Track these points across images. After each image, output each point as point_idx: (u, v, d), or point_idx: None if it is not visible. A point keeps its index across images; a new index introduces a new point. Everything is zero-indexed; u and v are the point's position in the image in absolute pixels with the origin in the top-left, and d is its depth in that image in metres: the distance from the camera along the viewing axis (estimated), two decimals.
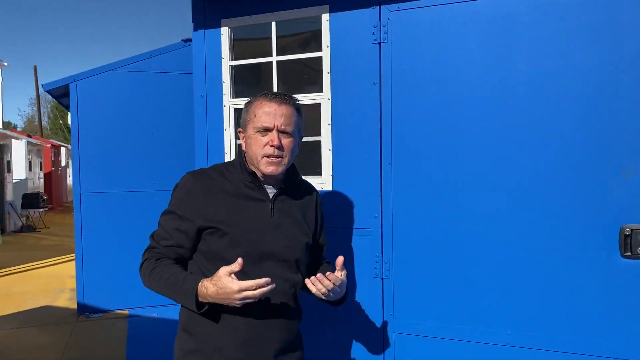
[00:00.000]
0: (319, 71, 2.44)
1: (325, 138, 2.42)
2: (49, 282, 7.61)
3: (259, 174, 1.73)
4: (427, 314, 2.28)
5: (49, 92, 6.15)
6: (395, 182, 2.33)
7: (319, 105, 2.44)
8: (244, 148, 1.76)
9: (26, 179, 16.04)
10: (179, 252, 1.71)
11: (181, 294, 1.60)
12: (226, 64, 2.59)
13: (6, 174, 13.36)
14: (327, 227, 2.05)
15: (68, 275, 7.71)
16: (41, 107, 40.59)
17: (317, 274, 1.66)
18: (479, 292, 2.19)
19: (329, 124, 2.42)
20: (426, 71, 2.27)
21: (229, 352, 1.65)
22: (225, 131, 2.59)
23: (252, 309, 1.61)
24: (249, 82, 2.66)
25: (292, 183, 1.80)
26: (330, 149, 2.42)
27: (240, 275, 1.53)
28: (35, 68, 37.14)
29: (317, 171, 2.45)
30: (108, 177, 5.90)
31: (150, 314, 5.85)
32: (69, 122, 6.09)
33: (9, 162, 13.72)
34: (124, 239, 5.93)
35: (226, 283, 1.51)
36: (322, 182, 2.43)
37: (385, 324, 2.35)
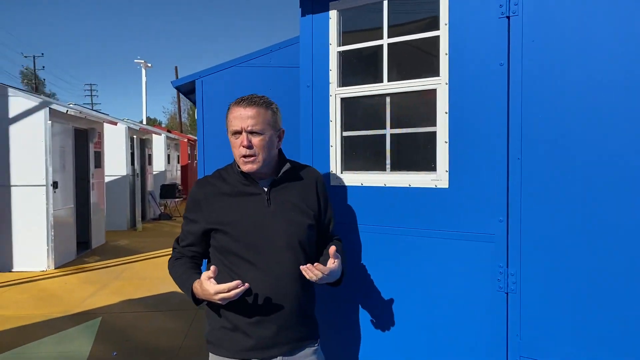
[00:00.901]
0: (434, 54, 2.15)
1: (442, 128, 2.13)
2: None
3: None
4: (562, 337, 1.91)
5: (177, 88, 6.42)
6: (526, 180, 1.97)
7: (433, 92, 2.15)
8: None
9: (165, 170, 17.38)
10: (194, 250, 1.96)
11: (185, 291, 1.87)
12: (334, 50, 2.40)
13: (148, 166, 14.56)
14: (441, 230, 1.84)
15: None
16: (181, 104, 44.01)
17: (322, 254, 1.94)
18: (632, 317, 1.77)
19: (446, 112, 2.12)
20: (566, 48, 1.89)
21: (246, 328, 1.86)
22: (330, 122, 2.41)
23: (263, 291, 1.83)
24: (358, 70, 2.45)
25: (285, 172, 1.94)
26: (447, 140, 2.12)
27: (248, 265, 1.83)
28: (176, 69, 40.33)
29: (431, 166, 2.17)
30: None
31: None
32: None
33: (150, 156, 14.95)
34: None
35: (206, 287, 1.73)
36: (437, 179, 2.14)
37: (509, 345, 2.01)
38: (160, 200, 15.38)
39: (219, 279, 1.75)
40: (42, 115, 8.06)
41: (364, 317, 2.33)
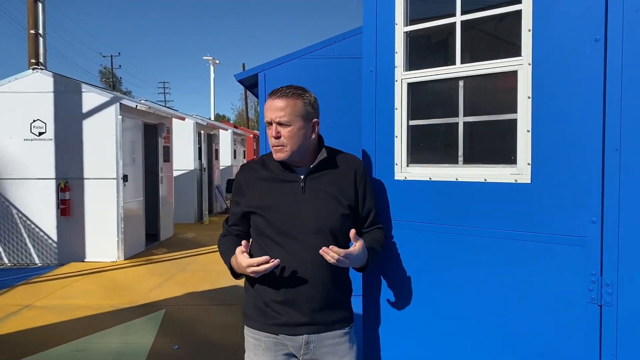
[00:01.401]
0: (515, 32, 1.89)
1: (523, 115, 1.87)
2: None
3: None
4: None
5: (240, 82, 6.39)
6: (625, 175, 1.68)
7: (514, 74, 1.89)
8: None
9: (231, 165, 17.67)
10: (238, 229, 2.09)
11: (227, 265, 1.99)
12: (400, 30, 2.18)
13: (215, 161, 14.83)
14: (521, 231, 1.64)
15: None
16: (248, 100, 44.77)
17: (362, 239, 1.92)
18: None
19: (529, 97, 1.86)
20: None
21: (274, 306, 1.95)
22: (396, 110, 2.19)
23: (291, 274, 1.90)
24: (426, 52, 2.22)
25: (322, 161, 1.98)
26: (530, 129, 1.85)
27: (279, 248, 1.91)
28: (243, 66, 41.11)
29: (510, 159, 1.91)
30: None
31: None
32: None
33: (217, 151, 15.21)
34: None
35: (240, 260, 1.85)
36: (517, 173, 1.88)
37: None
38: (226, 194, 15.63)
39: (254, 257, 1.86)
40: (113, 110, 8.31)
41: (432, 328, 2.11)
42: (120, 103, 8.36)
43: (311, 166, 1.98)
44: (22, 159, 8.27)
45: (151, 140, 9.93)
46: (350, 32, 6.18)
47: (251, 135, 21.56)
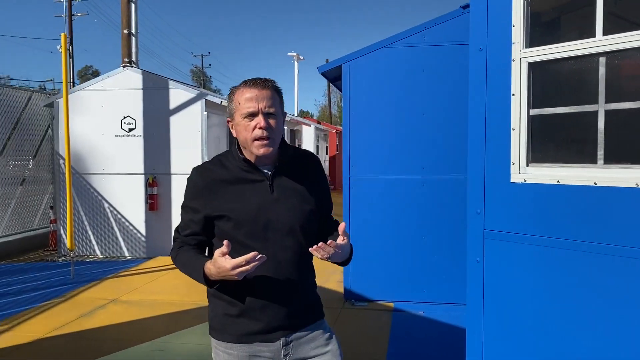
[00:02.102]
0: None
1: None
2: (325, 262, 7.84)
3: (252, 157, 1.88)
4: None
5: (323, 74, 6.14)
6: None
7: None
8: (235, 136, 1.90)
9: None
10: (198, 239, 1.94)
11: (196, 275, 1.82)
12: None
13: None
14: None
15: None
16: (332, 96, 44.87)
17: (328, 237, 1.84)
18: None
19: None
20: None
21: (251, 313, 1.87)
22: (512, 97, 1.78)
23: (265, 277, 1.82)
24: (553, 24, 1.78)
25: (288, 158, 1.93)
26: None
27: (248, 251, 1.69)
28: (327, 61, 41.13)
29: None
30: (376, 161, 5.60)
31: (416, 310, 5.38)
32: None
33: (299, 146, 15.17)
34: (391, 227, 5.59)
35: (221, 264, 1.69)
36: None
37: None
38: None
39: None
40: (198, 107, 8.35)
41: None
42: (205, 99, 8.39)
43: (278, 164, 1.93)
44: (113, 154, 8.52)
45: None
46: (443, 16, 5.71)
47: (334, 131, 21.38)
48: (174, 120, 8.42)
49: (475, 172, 1.86)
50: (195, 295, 6.08)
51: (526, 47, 1.74)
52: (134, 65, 9.33)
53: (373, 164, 5.61)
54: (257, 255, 1.68)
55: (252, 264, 1.67)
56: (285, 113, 1.98)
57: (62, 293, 6.17)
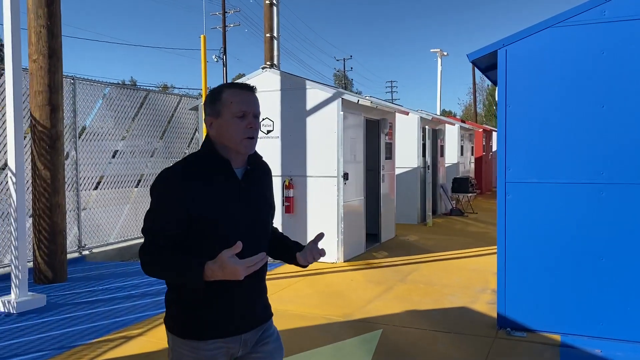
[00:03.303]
0: None
1: None
2: (471, 277, 6.98)
3: (231, 157, 1.98)
4: None
5: (473, 62, 5.32)
6: None
7: None
8: (214, 134, 1.98)
9: (457, 163, 16.44)
10: (174, 241, 1.91)
11: (188, 275, 1.81)
12: None
13: (439, 158, 13.83)
14: None
15: (491, 272, 6.87)
16: (477, 94, 42.67)
17: (282, 243, 2.22)
18: None
19: None
20: None
21: (228, 312, 1.98)
22: None
23: (246, 278, 1.81)
24: None
25: (254, 161, 2.08)
26: None
27: (227, 248, 1.78)
28: None
29: None
30: (540, 163, 4.66)
31: (591, 347, 4.36)
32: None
33: (442, 147, 14.18)
34: (559, 244, 4.61)
35: (233, 264, 1.73)
36: None
37: None
38: (451, 194, 14.52)
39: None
40: (335, 107, 7.97)
41: None
42: (342, 98, 7.98)
43: (248, 167, 2.04)
44: None
45: (373, 136, 9.43)
46: None
47: (480, 130, 19.93)
48: (310, 121, 8.14)
49: None
50: (327, 308, 5.64)
51: None
52: (274, 67, 9.26)
53: (536, 167, 4.68)
54: (263, 254, 1.79)
55: (260, 263, 1.76)
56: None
57: None
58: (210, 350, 1.94)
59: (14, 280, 5.46)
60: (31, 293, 5.64)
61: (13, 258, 5.46)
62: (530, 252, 4.71)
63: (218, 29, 36.89)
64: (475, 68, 5.62)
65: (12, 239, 5.47)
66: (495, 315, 4.96)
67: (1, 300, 5.42)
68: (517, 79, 4.84)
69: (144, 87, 9.00)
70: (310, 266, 7.89)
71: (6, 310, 5.38)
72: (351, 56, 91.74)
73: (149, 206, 1.95)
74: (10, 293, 5.51)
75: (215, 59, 36.94)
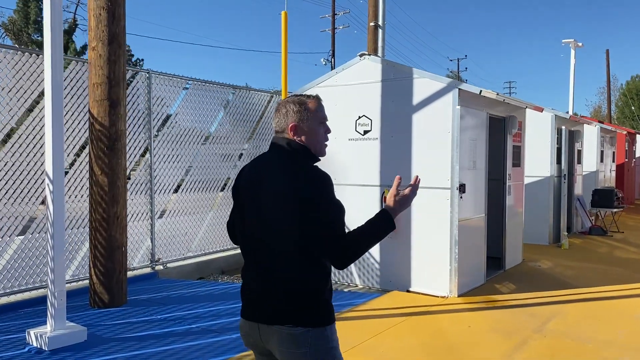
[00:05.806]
0: None
1: None
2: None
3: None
4: None
5: None
6: None
7: None
8: (301, 140, 2.19)
9: (596, 171, 13.84)
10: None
11: (385, 226, 2.15)
12: None
13: (576, 165, 11.49)
14: None
15: None
16: (611, 94, 37.99)
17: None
18: None
19: None
20: None
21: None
22: None
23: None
24: None
25: None
26: None
27: None
28: (607, 52, 34.73)
29: None
30: None
31: None
32: None
33: (579, 152, 11.80)
34: None
35: (402, 193, 2.24)
36: None
37: None
38: (590, 209, 12.06)
39: None
40: (449, 100, 6.34)
41: None
42: (458, 89, 6.33)
43: None
44: (346, 161, 7.09)
45: (496, 138, 7.61)
46: None
47: (624, 133, 16.90)
48: (416, 118, 6.57)
49: None
50: None
51: None
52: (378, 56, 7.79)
53: None
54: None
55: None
56: None
57: None
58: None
59: (50, 308, 4.54)
60: (71, 324, 4.70)
61: (49, 282, 4.55)
62: None
63: (327, 32, 36.19)
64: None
65: (49, 258, 4.56)
66: None
67: (34, 333, 4.52)
68: None
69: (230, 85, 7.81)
70: (414, 299, 5.91)
71: (38, 346, 4.46)
72: (466, 56, 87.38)
73: (327, 206, 2.07)
74: (46, 324, 4.60)
75: (324, 62, 36.27)
